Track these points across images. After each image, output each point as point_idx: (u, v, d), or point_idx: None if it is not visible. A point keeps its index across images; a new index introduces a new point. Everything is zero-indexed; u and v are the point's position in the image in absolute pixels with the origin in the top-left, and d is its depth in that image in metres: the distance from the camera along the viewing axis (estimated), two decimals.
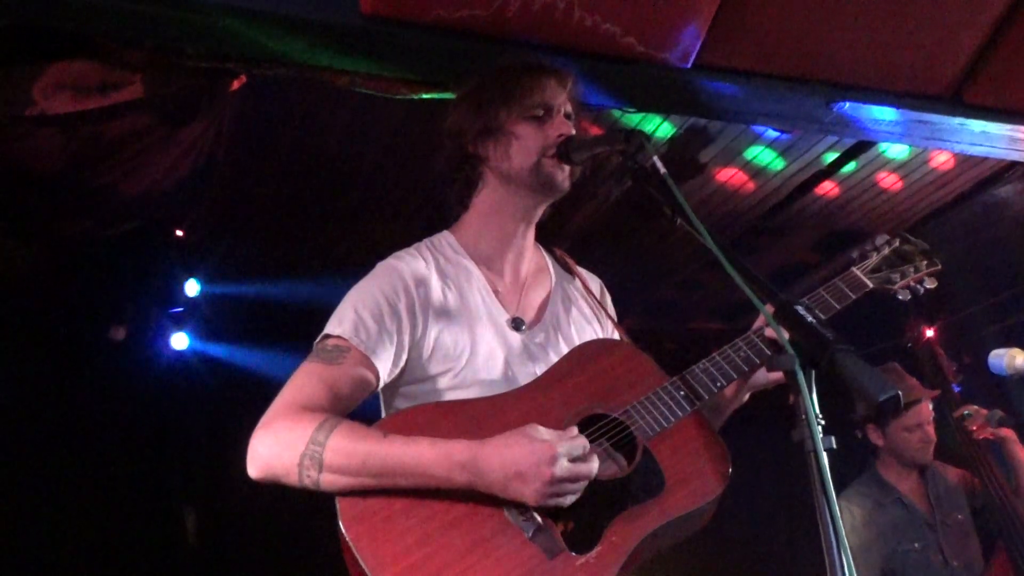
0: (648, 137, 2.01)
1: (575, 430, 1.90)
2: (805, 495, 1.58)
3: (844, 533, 1.52)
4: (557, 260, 2.44)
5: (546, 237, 2.45)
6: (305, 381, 2.00)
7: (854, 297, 2.28)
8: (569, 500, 1.84)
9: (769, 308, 1.78)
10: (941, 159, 4.69)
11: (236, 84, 3.20)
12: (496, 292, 2.24)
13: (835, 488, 1.54)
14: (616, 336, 2.37)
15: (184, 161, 3.80)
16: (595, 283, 2.47)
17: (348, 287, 2.17)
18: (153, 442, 5.61)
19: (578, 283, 2.42)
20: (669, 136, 4.36)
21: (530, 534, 1.84)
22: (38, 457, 5.17)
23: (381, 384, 2.09)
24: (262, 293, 5.58)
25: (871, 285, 2.32)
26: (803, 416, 1.58)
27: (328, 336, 2.06)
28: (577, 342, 2.23)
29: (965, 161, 4.65)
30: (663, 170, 1.93)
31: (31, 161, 3.37)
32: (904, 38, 3.21)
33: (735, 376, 2.13)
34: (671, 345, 6.59)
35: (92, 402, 5.32)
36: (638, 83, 3.12)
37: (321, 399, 1.96)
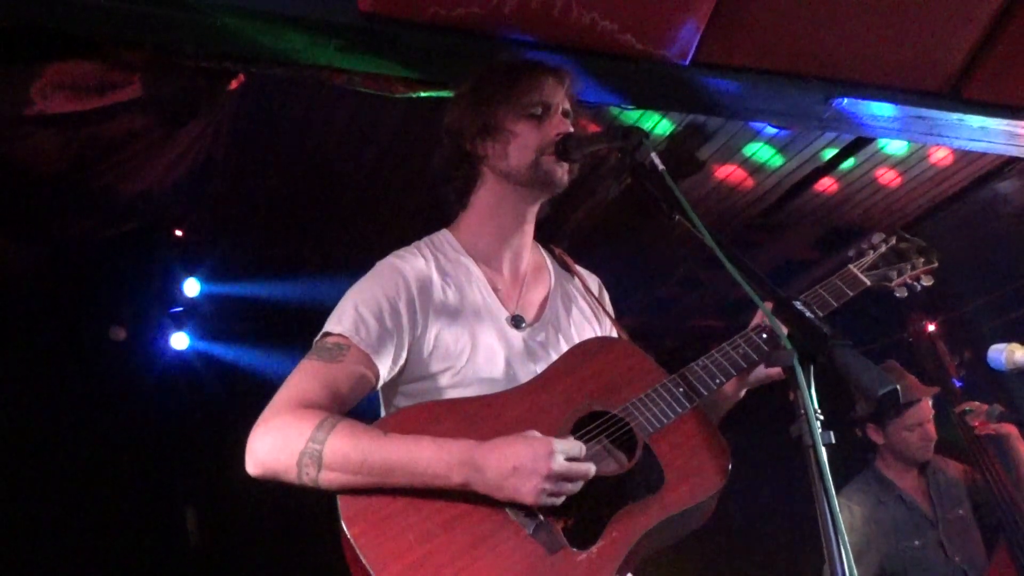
0: (646, 134, 2.02)
1: (571, 437, 1.91)
2: (806, 492, 1.58)
3: (844, 528, 1.53)
4: (556, 259, 2.44)
5: (545, 235, 2.45)
6: (304, 379, 1.99)
7: (851, 294, 2.30)
8: (564, 499, 1.84)
9: (768, 304, 1.79)
10: (940, 155, 4.69)
11: (234, 84, 3.21)
12: (496, 290, 2.24)
13: (834, 485, 1.55)
14: (615, 334, 2.37)
15: (183, 161, 3.80)
16: (594, 282, 2.48)
17: (348, 286, 2.16)
18: (154, 442, 5.61)
19: (577, 282, 2.42)
20: (668, 133, 4.36)
21: (531, 530, 1.84)
22: (39, 458, 5.17)
23: (381, 382, 2.09)
24: (262, 293, 5.58)
25: (868, 283, 2.34)
26: (802, 411, 1.59)
27: (328, 334, 2.06)
28: (577, 340, 2.24)
29: (964, 157, 4.65)
30: (661, 167, 1.94)
31: (31, 162, 3.37)
32: (902, 34, 3.21)
33: (734, 373, 2.14)
34: (671, 343, 6.60)
35: (93, 403, 5.32)
36: (636, 80, 3.13)
37: (321, 397, 1.96)
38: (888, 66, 3.29)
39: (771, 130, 4.40)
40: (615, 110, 3.80)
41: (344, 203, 4.96)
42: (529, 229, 2.32)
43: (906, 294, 2.40)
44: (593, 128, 3.79)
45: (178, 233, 5.12)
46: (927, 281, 2.42)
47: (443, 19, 2.74)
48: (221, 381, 5.68)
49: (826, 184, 5.00)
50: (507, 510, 1.85)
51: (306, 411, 1.92)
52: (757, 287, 1.76)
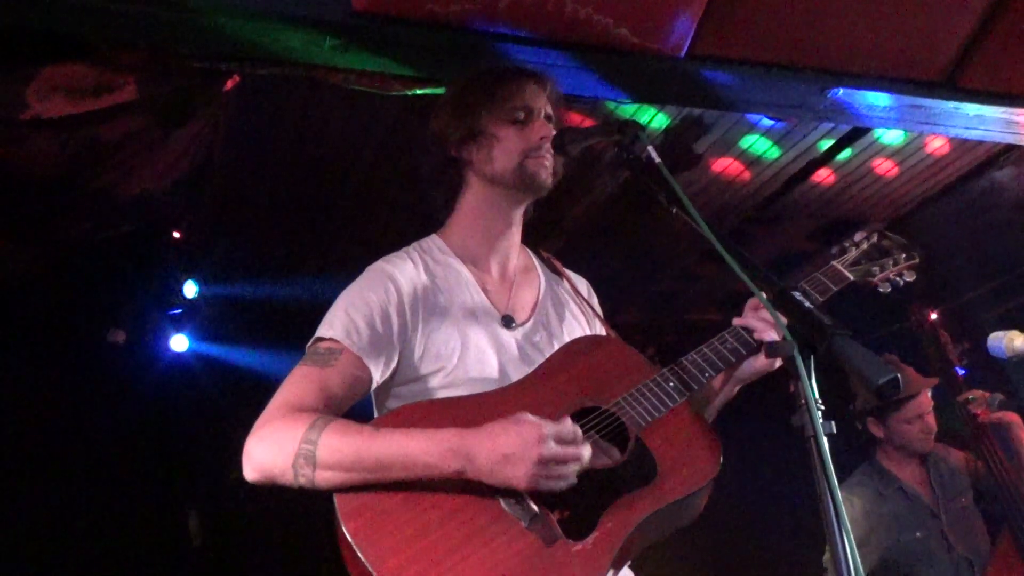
0: (643, 128, 2.03)
1: (568, 419, 1.92)
2: (805, 485, 1.59)
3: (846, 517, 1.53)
4: (544, 262, 2.48)
5: (542, 232, 2.45)
6: (298, 384, 2.02)
7: (835, 289, 2.33)
8: (561, 484, 1.85)
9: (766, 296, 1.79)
10: (936, 144, 4.69)
11: (230, 84, 3.20)
12: (486, 291, 2.27)
13: (836, 474, 1.55)
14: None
15: (180, 162, 3.80)
16: (583, 284, 2.51)
17: (347, 287, 2.18)
18: (154, 444, 5.62)
19: (566, 284, 2.46)
20: (664, 127, 4.36)
21: (527, 523, 1.85)
22: (39, 461, 5.18)
23: (374, 385, 2.11)
24: (260, 294, 5.59)
25: (852, 277, 2.37)
26: (803, 402, 1.59)
27: (320, 339, 2.09)
28: (567, 339, 2.26)
29: (961, 145, 4.65)
30: (658, 160, 1.94)
31: (28, 164, 3.37)
32: (897, 23, 3.21)
33: (723, 366, 2.16)
34: (670, 336, 6.60)
35: (93, 405, 5.32)
36: (632, 74, 3.13)
37: (314, 401, 1.98)
38: (884, 56, 3.29)
39: (767, 122, 4.41)
40: (611, 104, 3.80)
41: (342, 203, 4.96)
42: (516, 231, 2.36)
43: (889, 289, 2.44)
44: (589, 123, 3.79)
45: (176, 235, 5.12)
46: (910, 276, 2.45)
47: (438, 16, 2.74)
48: (221, 383, 5.68)
49: (823, 176, 5.00)
50: (503, 503, 1.86)
51: (299, 414, 1.94)
52: (756, 279, 1.77)
